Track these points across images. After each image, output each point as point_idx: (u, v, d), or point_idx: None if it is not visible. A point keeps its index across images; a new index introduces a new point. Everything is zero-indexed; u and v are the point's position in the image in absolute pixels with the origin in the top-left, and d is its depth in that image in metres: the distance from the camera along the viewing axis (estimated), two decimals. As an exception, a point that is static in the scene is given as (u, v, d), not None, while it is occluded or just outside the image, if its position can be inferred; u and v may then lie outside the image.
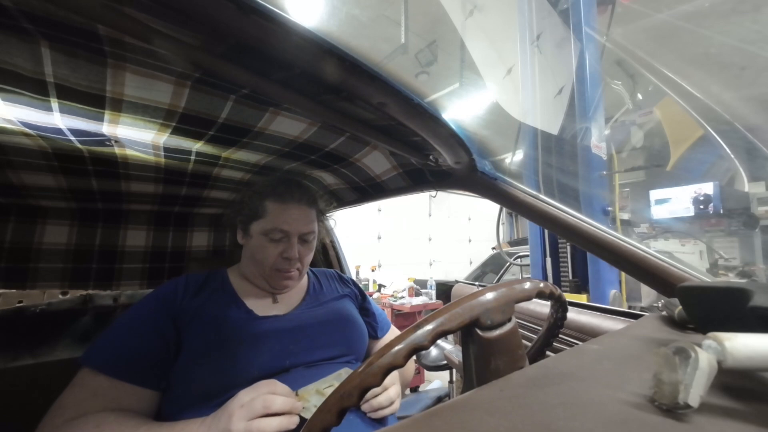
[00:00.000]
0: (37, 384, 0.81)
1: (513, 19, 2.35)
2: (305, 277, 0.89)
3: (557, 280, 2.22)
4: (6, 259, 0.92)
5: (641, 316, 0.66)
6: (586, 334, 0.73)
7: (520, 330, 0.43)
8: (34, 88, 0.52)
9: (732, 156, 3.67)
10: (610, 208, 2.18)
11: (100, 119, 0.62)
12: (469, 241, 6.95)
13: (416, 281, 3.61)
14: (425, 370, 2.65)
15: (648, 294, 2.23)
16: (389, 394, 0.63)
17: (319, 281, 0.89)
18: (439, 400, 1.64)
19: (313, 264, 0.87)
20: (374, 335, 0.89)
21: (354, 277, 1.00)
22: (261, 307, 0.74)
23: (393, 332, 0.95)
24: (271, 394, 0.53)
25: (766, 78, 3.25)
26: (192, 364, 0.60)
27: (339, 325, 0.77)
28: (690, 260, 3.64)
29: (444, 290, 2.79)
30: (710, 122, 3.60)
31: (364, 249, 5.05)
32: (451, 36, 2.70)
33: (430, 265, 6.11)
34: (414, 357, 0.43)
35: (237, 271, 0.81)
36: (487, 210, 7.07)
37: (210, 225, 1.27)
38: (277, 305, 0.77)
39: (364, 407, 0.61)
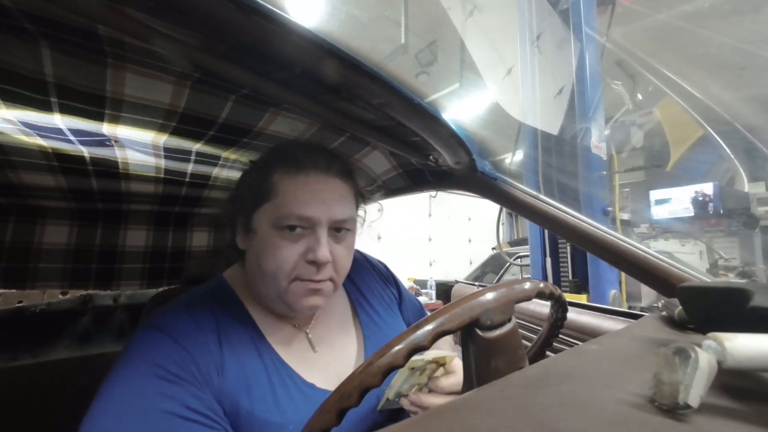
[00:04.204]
0: (37, 384, 0.81)
1: (513, 19, 2.35)
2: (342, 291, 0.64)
3: (557, 280, 2.22)
4: (6, 259, 0.92)
5: (641, 316, 0.66)
6: (586, 334, 0.73)
7: (520, 330, 0.43)
8: (34, 88, 0.52)
9: (732, 156, 3.67)
10: (610, 208, 2.18)
11: (100, 119, 0.62)
12: (469, 241, 6.94)
13: (416, 281, 3.60)
14: (425, 370, 2.64)
15: (648, 294, 2.23)
16: (456, 378, 0.47)
17: (362, 292, 0.65)
18: (439, 400, 1.64)
19: None
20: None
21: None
22: (299, 359, 0.50)
23: None
24: None
25: (766, 78, 3.25)
26: None
27: None
28: (690, 260, 3.64)
29: (444, 290, 2.79)
30: (710, 122, 3.60)
31: (364, 249, 5.02)
32: (451, 36, 2.70)
33: (430, 265, 6.10)
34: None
35: (246, 290, 0.54)
36: (487, 210, 7.06)
37: (210, 225, 1.27)
38: (320, 355, 0.52)
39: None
